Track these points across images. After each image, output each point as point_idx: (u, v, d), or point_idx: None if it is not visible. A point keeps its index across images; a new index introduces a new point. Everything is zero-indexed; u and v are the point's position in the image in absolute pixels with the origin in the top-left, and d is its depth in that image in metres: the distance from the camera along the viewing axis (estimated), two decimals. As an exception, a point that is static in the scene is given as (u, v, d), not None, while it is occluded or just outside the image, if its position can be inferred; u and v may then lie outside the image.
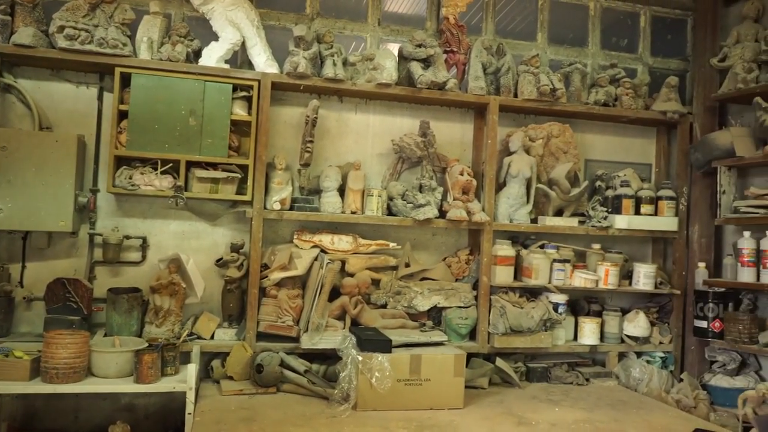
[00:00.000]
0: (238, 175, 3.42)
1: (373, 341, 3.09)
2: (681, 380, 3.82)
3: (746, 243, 3.62)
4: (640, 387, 3.77)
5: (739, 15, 3.97)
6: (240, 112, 3.45)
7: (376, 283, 3.66)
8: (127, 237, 3.46)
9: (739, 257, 3.67)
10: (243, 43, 3.53)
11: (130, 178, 3.28)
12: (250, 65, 3.59)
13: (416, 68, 3.68)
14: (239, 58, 3.66)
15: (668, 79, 4.06)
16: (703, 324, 3.83)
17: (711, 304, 3.80)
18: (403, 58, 3.75)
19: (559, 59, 4.14)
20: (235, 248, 3.50)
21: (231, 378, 3.27)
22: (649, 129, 4.29)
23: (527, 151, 3.87)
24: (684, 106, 4.09)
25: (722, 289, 3.82)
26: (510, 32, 4.24)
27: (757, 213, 3.54)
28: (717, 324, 3.78)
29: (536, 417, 3.03)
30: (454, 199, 3.68)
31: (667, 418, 3.16)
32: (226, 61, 3.50)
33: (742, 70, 3.76)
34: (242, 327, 3.47)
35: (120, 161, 3.32)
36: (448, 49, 3.86)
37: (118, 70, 3.26)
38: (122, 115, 3.30)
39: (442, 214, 3.69)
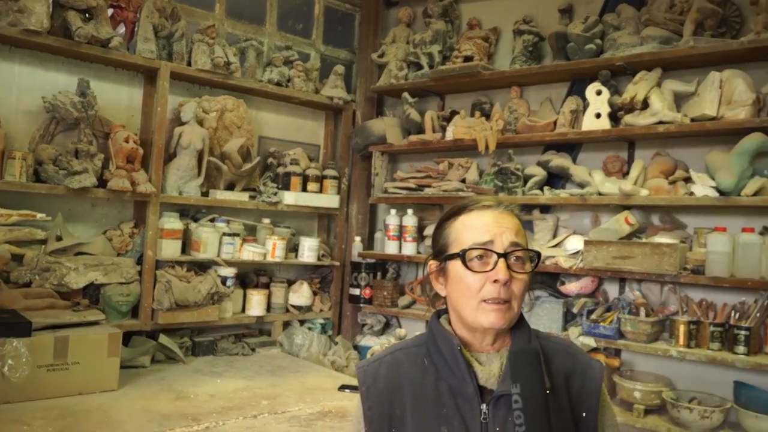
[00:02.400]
0: None
1: (7, 325, 2.70)
2: (336, 343, 4.22)
3: (392, 219, 4.14)
4: (301, 352, 4.05)
5: (396, 18, 4.48)
6: None
7: (18, 258, 3.21)
8: None
9: (387, 232, 4.18)
10: None
11: None
12: None
13: (75, 19, 3.29)
14: None
15: (336, 67, 4.39)
16: (357, 291, 4.27)
17: (363, 274, 4.26)
18: (59, 6, 3.32)
19: (236, 34, 4.14)
20: None
21: None
22: (319, 112, 4.58)
23: (200, 123, 3.79)
24: (349, 94, 4.47)
25: (373, 260, 4.31)
26: (186, -2, 4.08)
27: (401, 194, 4.07)
28: (368, 291, 4.25)
29: (196, 390, 3.03)
30: (117, 168, 3.41)
31: (320, 378, 3.45)
32: None
33: (395, 67, 4.26)
34: None
35: None
36: (115, 4, 3.54)
37: None
38: None
39: (103, 183, 3.39)
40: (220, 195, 3.83)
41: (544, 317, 3.40)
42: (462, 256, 1.21)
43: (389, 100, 4.58)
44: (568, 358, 1.29)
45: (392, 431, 1.23)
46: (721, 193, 2.94)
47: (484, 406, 1.19)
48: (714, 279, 2.89)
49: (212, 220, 3.88)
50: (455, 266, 1.23)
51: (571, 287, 3.43)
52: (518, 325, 1.27)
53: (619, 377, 3.21)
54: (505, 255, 1.20)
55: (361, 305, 4.29)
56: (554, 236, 3.64)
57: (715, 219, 3.12)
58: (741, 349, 2.86)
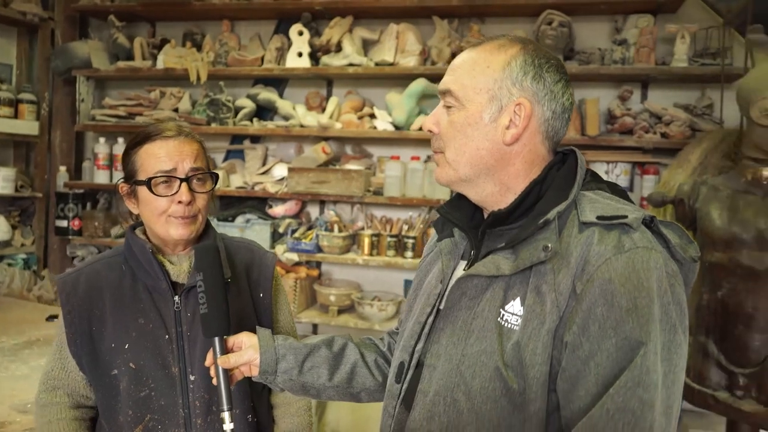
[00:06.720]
0: None
1: None
2: (43, 278, 4.04)
3: (101, 148, 4.03)
4: (1, 290, 3.80)
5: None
6: None
7: None
8: None
9: (96, 161, 4.07)
10: None
11: None
12: None
13: None
14: None
15: (27, -21, 3.99)
16: (65, 223, 4.10)
17: (71, 205, 4.10)
18: None
19: None
20: None
21: None
22: (10, 28, 4.13)
23: None
24: (45, 11, 4.11)
25: (81, 191, 4.16)
26: None
27: (110, 121, 3.97)
28: (77, 222, 4.12)
29: None
30: None
31: (25, 312, 3.33)
32: None
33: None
34: None
35: None
36: None
37: None
38: None
39: None
40: None
41: (254, 237, 3.67)
42: (148, 183, 1.41)
43: (94, 23, 4.33)
44: (248, 253, 1.61)
45: (93, 329, 1.42)
46: (397, 127, 3.55)
47: (176, 298, 1.45)
48: (390, 198, 3.52)
49: None
50: (143, 190, 1.43)
51: (278, 210, 3.82)
52: (206, 232, 1.54)
53: (319, 285, 3.75)
54: (186, 179, 1.43)
55: (70, 237, 4.14)
56: (264, 164, 3.96)
57: (393, 149, 3.75)
58: (409, 254, 3.56)
